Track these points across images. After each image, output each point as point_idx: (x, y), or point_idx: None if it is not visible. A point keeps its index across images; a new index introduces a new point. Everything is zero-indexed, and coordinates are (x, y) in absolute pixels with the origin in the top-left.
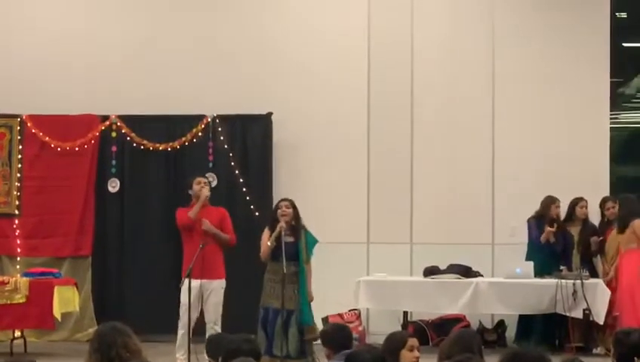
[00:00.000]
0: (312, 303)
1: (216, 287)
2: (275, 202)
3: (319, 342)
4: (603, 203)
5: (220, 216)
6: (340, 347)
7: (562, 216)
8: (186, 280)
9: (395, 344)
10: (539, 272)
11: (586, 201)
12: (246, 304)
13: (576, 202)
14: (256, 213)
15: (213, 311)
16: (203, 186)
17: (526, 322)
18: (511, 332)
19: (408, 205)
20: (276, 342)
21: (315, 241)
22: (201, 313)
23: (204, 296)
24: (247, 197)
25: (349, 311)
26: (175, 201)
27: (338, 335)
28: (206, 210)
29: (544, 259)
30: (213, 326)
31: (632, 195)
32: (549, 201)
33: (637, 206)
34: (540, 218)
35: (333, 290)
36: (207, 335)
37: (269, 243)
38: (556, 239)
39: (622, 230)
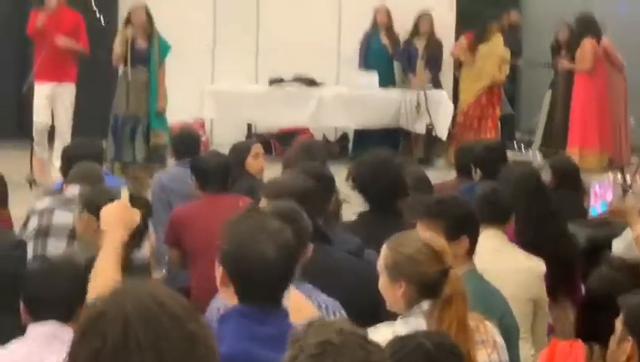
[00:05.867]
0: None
1: (67, 90)
2: (122, 9)
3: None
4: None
5: (75, 23)
6: (187, 153)
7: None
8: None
9: (239, 153)
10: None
11: (429, 16)
12: (97, 110)
13: (418, 16)
14: (105, 22)
15: (64, 116)
16: None
17: (363, 135)
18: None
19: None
20: (125, 148)
21: (168, 47)
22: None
23: (55, 99)
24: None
25: (193, 121)
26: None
27: (186, 141)
28: (60, 15)
29: (382, 68)
30: (63, 134)
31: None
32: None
33: (593, 25)
34: (372, 29)
35: (178, 100)
36: (55, 142)
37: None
38: (394, 49)
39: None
